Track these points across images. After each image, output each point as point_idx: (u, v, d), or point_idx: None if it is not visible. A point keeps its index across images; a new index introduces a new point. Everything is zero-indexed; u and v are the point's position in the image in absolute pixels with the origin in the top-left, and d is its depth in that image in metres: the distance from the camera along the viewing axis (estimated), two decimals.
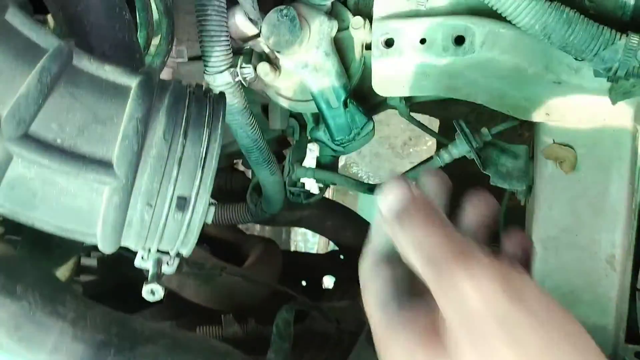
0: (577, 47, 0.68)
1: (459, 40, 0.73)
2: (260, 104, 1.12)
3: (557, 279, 0.88)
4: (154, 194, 0.48)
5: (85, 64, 0.49)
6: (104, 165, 0.46)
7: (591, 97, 0.77)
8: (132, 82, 0.50)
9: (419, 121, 1.05)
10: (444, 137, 1.01)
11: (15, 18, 0.46)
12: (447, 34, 0.73)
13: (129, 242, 0.51)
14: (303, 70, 0.91)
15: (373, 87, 0.80)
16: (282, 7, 0.86)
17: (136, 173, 0.47)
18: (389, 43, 0.76)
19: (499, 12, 0.68)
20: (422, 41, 0.74)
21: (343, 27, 0.93)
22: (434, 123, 1.53)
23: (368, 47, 0.93)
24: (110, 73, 0.49)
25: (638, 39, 0.67)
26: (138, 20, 0.75)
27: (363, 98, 0.99)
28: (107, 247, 0.50)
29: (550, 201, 0.86)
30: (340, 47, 0.93)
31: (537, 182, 0.87)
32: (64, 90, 0.46)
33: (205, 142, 0.50)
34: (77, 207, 0.47)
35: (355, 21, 0.91)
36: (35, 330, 0.58)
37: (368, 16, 0.91)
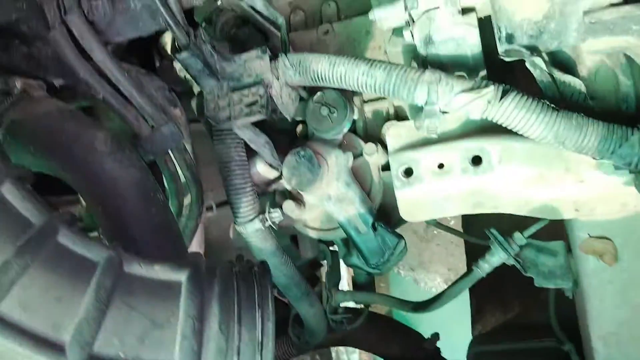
0: (593, 149, 0.70)
1: (476, 161, 0.75)
2: (289, 236, 1.14)
3: None
4: None
5: (136, 268, 0.50)
6: None
7: (617, 188, 0.78)
8: (181, 276, 0.51)
9: (446, 226, 1.06)
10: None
11: (67, 239, 0.49)
12: (463, 157, 0.75)
13: None
14: (327, 202, 0.93)
15: (401, 215, 0.82)
16: (298, 149, 0.90)
17: None
18: (408, 172, 0.78)
19: (509, 128, 0.71)
20: (440, 166, 0.76)
21: (357, 154, 0.96)
22: None
23: (385, 168, 0.96)
24: (160, 272, 0.51)
25: None
26: (168, 190, 0.79)
27: (387, 215, 1.01)
28: None
29: (600, 296, 0.84)
30: (358, 173, 0.96)
31: (581, 278, 0.86)
32: (120, 302, 0.48)
33: (260, 324, 0.50)
34: None
35: (368, 148, 0.94)
36: None
37: (378, 139, 0.96)
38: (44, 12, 0.63)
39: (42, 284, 0.46)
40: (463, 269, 1.64)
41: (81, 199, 0.86)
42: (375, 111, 0.97)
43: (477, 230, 1.03)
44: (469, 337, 1.44)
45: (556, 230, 0.92)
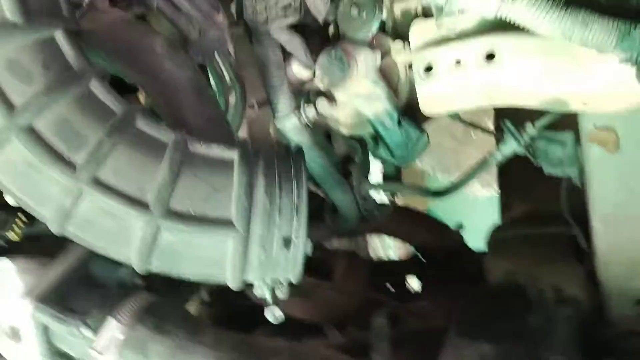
0: (597, 43, 0.76)
1: (490, 56, 0.82)
2: (323, 132, 1.24)
3: (620, 253, 0.95)
4: (265, 239, 0.62)
5: (198, 147, 0.63)
6: (226, 223, 0.60)
7: (622, 82, 0.84)
8: (233, 154, 0.64)
9: (469, 122, 1.15)
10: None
11: (143, 124, 0.61)
12: (477, 53, 0.82)
13: (250, 278, 0.65)
14: (356, 99, 1.03)
15: (420, 109, 0.91)
16: (330, 49, 0.98)
17: (249, 225, 0.61)
18: (428, 69, 0.87)
19: (520, 25, 0.77)
20: (457, 62, 0.84)
21: (386, 52, 1.04)
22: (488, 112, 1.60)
23: (411, 66, 1.04)
24: (217, 150, 0.63)
25: None
26: (215, 89, 0.90)
27: (413, 112, 1.10)
28: (235, 285, 0.64)
29: (601, 181, 0.93)
30: (386, 71, 1.04)
31: (587, 165, 0.94)
32: (187, 172, 0.61)
33: (296, 191, 0.63)
34: (211, 258, 0.61)
35: (396, 46, 1.02)
36: (186, 356, 0.73)
37: (406, 38, 1.02)
38: None
39: (128, 157, 0.59)
40: (495, 172, 1.72)
41: (139, 96, 0.98)
42: (403, 10, 1.01)
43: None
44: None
45: (569, 123, 1.00)
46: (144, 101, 0.84)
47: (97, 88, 0.59)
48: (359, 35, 0.99)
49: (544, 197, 1.45)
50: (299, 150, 0.70)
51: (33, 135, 0.55)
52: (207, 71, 0.88)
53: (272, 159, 0.65)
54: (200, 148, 0.63)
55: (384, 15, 0.99)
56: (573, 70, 0.83)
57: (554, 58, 0.82)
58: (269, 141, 1.22)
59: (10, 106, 0.53)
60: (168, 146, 0.61)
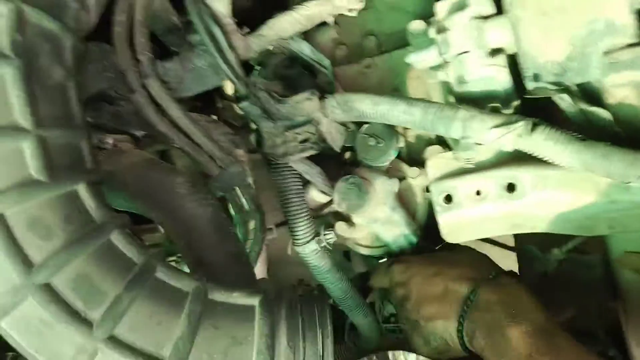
0: (620, 174, 0.75)
1: (511, 187, 0.82)
2: (342, 252, 1.23)
3: None
4: None
5: (218, 295, 0.61)
6: None
7: None
8: (255, 301, 0.61)
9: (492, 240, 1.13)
10: None
11: (162, 274, 0.60)
12: (498, 184, 0.82)
13: None
14: (374, 224, 1.02)
15: (442, 237, 0.89)
16: (348, 176, 0.99)
17: None
18: (448, 198, 0.86)
19: (540, 158, 0.78)
20: (478, 193, 0.84)
21: (402, 177, 1.04)
22: None
23: (428, 189, 1.04)
24: (237, 298, 0.61)
25: None
26: (235, 219, 0.90)
27: (435, 230, 1.08)
28: None
29: (637, 306, 0.89)
30: (404, 195, 1.05)
31: (621, 290, 0.91)
32: (207, 323, 0.59)
33: (321, 341, 0.60)
34: None
35: (412, 172, 1.02)
36: None
37: (421, 162, 1.03)
38: (126, 77, 0.75)
39: (146, 312, 0.57)
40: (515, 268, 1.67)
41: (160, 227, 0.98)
42: (417, 136, 1.05)
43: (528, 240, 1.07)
44: None
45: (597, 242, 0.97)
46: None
47: (119, 239, 0.58)
48: (377, 163, 1.00)
49: (568, 311, 1.40)
50: (321, 289, 0.68)
51: (50, 292, 0.53)
52: (226, 201, 0.89)
53: (295, 304, 0.63)
54: (221, 296, 0.61)
55: (401, 143, 1.00)
56: (596, 199, 0.82)
57: (576, 188, 0.81)
58: (286, 268, 1.22)
59: (29, 264, 0.53)
60: (188, 296, 0.59)
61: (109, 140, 0.75)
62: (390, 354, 2.27)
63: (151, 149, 0.85)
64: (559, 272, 0.96)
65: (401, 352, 2.34)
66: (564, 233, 0.89)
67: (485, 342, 0.76)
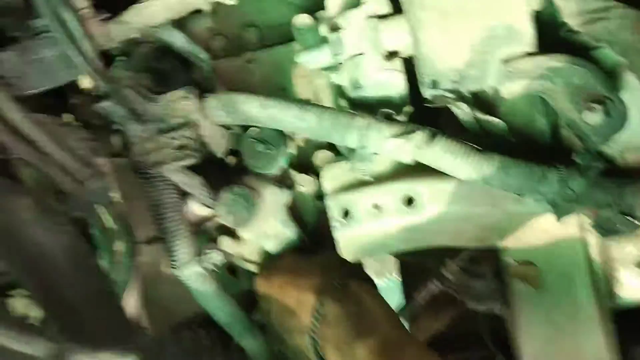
0: (516, 187, 0.74)
1: (409, 201, 0.77)
2: (225, 267, 1.12)
3: None
4: None
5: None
6: None
7: (539, 217, 0.82)
8: None
9: None
10: None
11: (6, 338, 0.47)
12: (396, 198, 0.77)
13: None
14: (264, 240, 0.93)
15: (342, 255, 0.83)
16: (234, 186, 0.89)
17: None
18: (346, 213, 0.80)
19: (438, 169, 0.73)
20: (375, 207, 0.78)
21: (290, 185, 0.96)
22: None
23: (318, 197, 0.97)
24: None
25: (565, 170, 0.73)
26: (97, 245, 0.76)
27: (323, 238, 1.02)
28: None
29: (527, 316, 0.89)
30: (294, 203, 0.96)
31: (511, 300, 0.90)
32: None
33: None
34: None
35: (302, 180, 0.94)
36: None
37: (310, 168, 0.96)
38: None
39: None
40: (391, 259, 1.67)
41: None
42: (306, 140, 0.96)
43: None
44: None
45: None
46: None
47: None
48: (266, 171, 0.91)
49: (451, 314, 1.43)
50: (213, 339, 0.58)
51: None
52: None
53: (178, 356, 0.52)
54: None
55: (292, 149, 0.92)
56: (491, 211, 0.80)
57: (472, 201, 0.78)
58: (161, 287, 1.09)
59: None
60: None
61: None
62: None
63: None
64: (453, 282, 0.94)
65: None
66: (460, 245, 0.86)
67: (335, 359, 0.73)
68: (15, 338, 0.48)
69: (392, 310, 0.76)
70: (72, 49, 0.62)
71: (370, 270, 0.90)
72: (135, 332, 0.60)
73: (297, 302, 0.78)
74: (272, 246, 0.93)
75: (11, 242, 0.59)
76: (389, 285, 1.48)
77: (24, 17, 0.67)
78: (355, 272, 0.84)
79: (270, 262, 0.92)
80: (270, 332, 0.89)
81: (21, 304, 0.76)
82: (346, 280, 0.79)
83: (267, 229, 0.91)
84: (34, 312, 0.79)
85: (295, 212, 0.96)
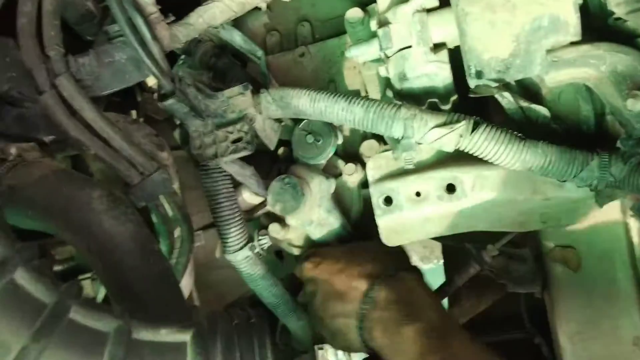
0: (557, 173, 0.75)
1: (451, 188, 0.80)
2: (273, 251, 1.17)
3: None
4: None
5: (144, 334, 0.54)
6: None
7: (580, 202, 0.84)
8: (186, 337, 0.55)
9: None
10: None
11: (77, 314, 0.52)
12: (438, 185, 0.80)
13: None
14: (309, 226, 0.97)
15: (382, 240, 0.86)
16: (283, 176, 0.93)
17: None
18: (388, 200, 0.83)
19: (481, 157, 0.76)
20: (417, 194, 0.81)
21: (337, 174, 1.00)
22: None
23: (364, 185, 1.00)
24: (166, 335, 0.55)
25: (608, 156, 0.74)
26: (159, 231, 0.81)
27: (367, 226, 1.05)
28: None
29: (566, 299, 0.92)
30: (339, 192, 1.00)
31: (550, 283, 0.93)
32: None
33: None
34: None
35: (348, 169, 0.98)
36: None
37: (356, 157, 0.99)
38: (33, 76, 0.64)
39: None
40: (438, 245, 1.70)
41: None
42: (353, 130, 1.00)
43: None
44: None
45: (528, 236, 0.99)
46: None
47: (24, 278, 0.49)
48: (314, 161, 0.95)
49: (493, 295, 1.45)
50: (259, 315, 0.62)
51: None
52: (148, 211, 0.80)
53: (232, 336, 0.57)
54: (147, 334, 0.54)
55: (340, 141, 0.96)
56: (532, 196, 0.82)
57: (514, 187, 0.81)
58: (214, 273, 1.14)
59: None
60: (109, 339, 0.52)
61: (12, 150, 0.64)
62: (319, 353, 2.26)
63: (62, 155, 0.74)
64: (493, 266, 0.97)
65: (330, 350, 2.33)
66: (500, 230, 0.89)
67: (382, 340, 0.77)
68: (86, 315, 0.53)
69: (438, 299, 0.80)
70: (142, 53, 0.67)
71: (417, 256, 0.94)
72: (191, 310, 0.65)
73: (348, 287, 0.83)
74: (317, 233, 0.97)
75: (85, 230, 0.64)
76: (435, 270, 1.51)
77: (100, 23, 0.72)
78: (403, 262, 0.88)
79: (318, 249, 0.96)
80: (312, 315, 0.93)
81: (89, 287, 0.83)
82: (396, 269, 0.84)
83: (312, 216, 0.95)
84: (100, 294, 0.86)
85: (340, 200, 1.00)
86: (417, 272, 0.88)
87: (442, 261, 1.56)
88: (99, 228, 0.63)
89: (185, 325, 0.56)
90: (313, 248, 1.00)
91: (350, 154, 1.00)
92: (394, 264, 0.86)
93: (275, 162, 1.02)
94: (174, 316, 0.58)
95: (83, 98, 0.67)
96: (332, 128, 0.93)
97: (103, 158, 0.70)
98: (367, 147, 0.96)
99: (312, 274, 0.92)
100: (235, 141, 0.80)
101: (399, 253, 0.91)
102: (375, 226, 0.92)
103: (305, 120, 0.92)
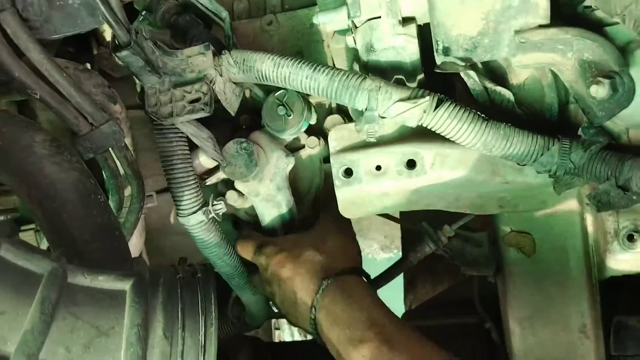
0: (517, 156, 0.75)
1: (411, 164, 0.80)
2: (230, 220, 1.15)
3: (537, 354, 0.94)
4: None
5: (80, 279, 0.52)
6: None
7: (538, 188, 0.84)
8: (125, 285, 0.53)
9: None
10: None
11: (9, 253, 0.49)
12: (398, 160, 0.80)
13: None
14: (254, 198, 0.96)
15: (340, 212, 0.85)
16: (242, 140, 0.91)
17: None
18: (348, 172, 0.82)
19: (443, 135, 0.75)
20: (378, 168, 0.80)
21: (300, 146, 0.98)
22: None
23: (325, 160, 0.99)
24: (104, 282, 0.52)
25: (569, 143, 0.75)
26: (108, 186, 0.78)
27: (328, 202, 1.04)
28: None
29: (518, 284, 0.92)
30: (301, 165, 0.99)
31: (504, 267, 0.93)
32: (65, 312, 0.49)
33: (203, 329, 0.53)
34: None
35: (311, 142, 0.97)
36: None
37: (320, 132, 0.98)
38: None
39: None
40: (398, 236, 1.72)
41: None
42: (318, 104, 0.99)
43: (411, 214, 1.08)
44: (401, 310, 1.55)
45: (485, 221, 0.99)
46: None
47: None
48: (280, 135, 0.93)
49: (448, 281, 1.47)
50: (207, 269, 0.61)
51: None
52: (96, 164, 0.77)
53: (175, 288, 0.55)
54: (84, 280, 0.51)
55: (312, 120, 0.94)
56: (491, 178, 0.82)
57: (474, 167, 0.80)
58: (167, 239, 1.11)
59: None
60: (41, 280, 0.49)
61: None
62: (276, 333, 2.26)
63: (6, 99, 0.71)
64: (448, 247, 0.97)
65: (287, 330, 2.33)
66: (457, 211, 0.89)
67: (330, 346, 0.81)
68: (18, 254, 0.50)
69: (379, 302, 0.84)
70: None
71: (378, 245, 0.94)
72: (133, 263, 0.63)
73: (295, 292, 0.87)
74: (260, 207, 0.96)
75: (25, 173, 0.61)
76: (394, 260, 1.53)
77: None
78: (348, 258, 0.91)
79: (266, 239, 0.97)
80: (269, 296, 0.96)
81: (32, 237, 0.79)
82: (343, 270, 0.87)
83: (260, 189, 0.94)
84: (43, 246, 0.83)
85: (301, 174, 0.98)
86: (360, 273, 0.91)
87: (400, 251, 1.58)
88: (40, 173, 0.60)
89: (125, 274, 0.54)
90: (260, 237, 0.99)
91: (315, 129, 0.99)
92: (342, 262, 0.89)
93: (236, 131, 1.00)
94: (115, 267, 0.56)
95: (29, 37, 0.63)
96: (307, 105, 0.91)
97: (49, 104, 0.66)
98: (331, 122, 0.95)
99: (263, 262, 0.93)
100: (193, 101, 0.77)
101: (345, 247, 0.94)
102: (334, 202, 0.91)
103: (282, 90, 0.90)
